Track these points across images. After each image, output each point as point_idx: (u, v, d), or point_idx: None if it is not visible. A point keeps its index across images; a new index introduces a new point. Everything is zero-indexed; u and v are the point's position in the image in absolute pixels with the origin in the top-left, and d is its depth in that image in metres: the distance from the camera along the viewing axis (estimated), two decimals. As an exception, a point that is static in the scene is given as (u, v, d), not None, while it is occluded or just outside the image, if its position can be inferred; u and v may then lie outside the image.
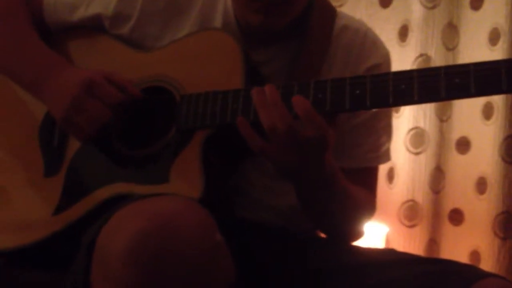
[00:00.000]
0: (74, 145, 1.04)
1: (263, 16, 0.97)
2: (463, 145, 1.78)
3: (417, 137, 1.81)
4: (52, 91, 1.00)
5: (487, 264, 1.73)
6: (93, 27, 1.09)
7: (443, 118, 1.81)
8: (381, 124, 1.07)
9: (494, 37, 1.72)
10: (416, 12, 1.80)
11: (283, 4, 0.97)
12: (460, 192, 1.79)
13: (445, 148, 1.79)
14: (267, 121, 0.84)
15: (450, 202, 1.81)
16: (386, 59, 1.08)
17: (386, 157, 1.09)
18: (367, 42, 1.06)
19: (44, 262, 0.99)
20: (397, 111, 1.80)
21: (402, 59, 1.79)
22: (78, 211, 0.98)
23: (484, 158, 1.74)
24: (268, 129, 0.85)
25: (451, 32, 1.79)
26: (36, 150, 1.08)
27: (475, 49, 1.74)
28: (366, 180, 1.07)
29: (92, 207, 0.97)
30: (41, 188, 1.06)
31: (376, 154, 1.06)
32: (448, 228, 1.82)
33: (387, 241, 1.84)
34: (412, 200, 1.82)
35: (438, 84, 0.82)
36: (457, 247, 1.80)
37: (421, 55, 1.79)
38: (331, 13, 1.07)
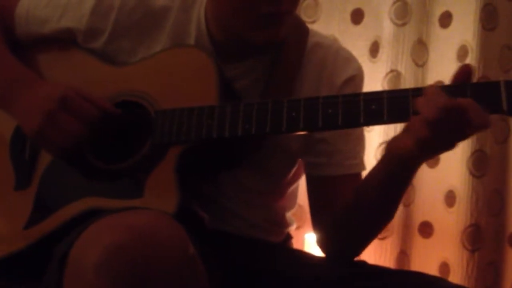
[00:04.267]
0: (45, 158, 1.03)
1: (270, 30, 0.97)
2: (432, 159, 1.81)
3: (388, 151, 1.84)
4: (23, 105, 1.00)
5: (456, 276, 1.75)
6: (65, 39, 1.09)
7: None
8: (356, 133, 1.08)
9: (462, 54, 1.76)
10: (387, 29, 1.83)
11: (286, 14, 0.97)
12: (429, 205, 1.82)
13: (414, 161, 1.82)
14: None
15: (420, 215, 1.84)
16: (359, 71, 1.10)
17: (363, 165, 1.10)
18: (339, 57, 1.08)
19: (15, 276, 0.98)
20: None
21: (373, 75, 1.82)
22: (50, 225, 0.97)
23: (452, 172, 1.77)
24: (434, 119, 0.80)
25: (420, 49, 1.82)
26: (6, 163, 1.06)
27: (444, 66, 1.77)
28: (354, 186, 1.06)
29: (64, 221, 0.96)
30: (12, 201, 1.04)
31: (356, 161, 1.07)
32: (418, 241, 1.84)
33: (359, 253, 1.86)
34: (383, 213, 1.84)
35: (407, 106, 0.84)
36: (427, 259, 1.82)
37: (391, 71, 1.82)
38: (304, 30, 1.09)
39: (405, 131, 0.87)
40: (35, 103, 0.97)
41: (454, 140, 0.83)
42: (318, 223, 1.09)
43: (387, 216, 1.01)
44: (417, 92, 0.84)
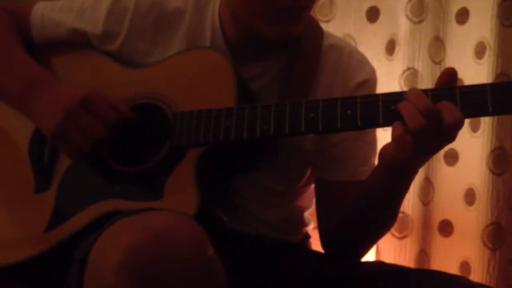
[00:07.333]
0: (65, 161, 1.04)
1: (287, 25, 0.97)
2: (451, 157, 1.79)
3: (406, 150, 1.82)
4: (42, 106, 1.00)
5: (477, 275, 1.74)
6: (80, 42, 1.10)
7: (431, 131, 1.83)
8: (368, 139, 1.08)
9: (480, 51, 1.74)
10: (403, 26, 1.82)
11: (302, 10, 0.98)
12: (449, 203, 1.80)
13: (433, 160, 1.80)
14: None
15: (439, 214, 1.82)
16: (373, 75, 1.10)
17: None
18: (353, 60, 1.08)
19: (36, 278, 0.99)
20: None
21: (390, 73, 1.81)
22: (71, 228, 0.98)
23: (472, 169, 1.76)
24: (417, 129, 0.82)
25: (437, 46, 1.81)
26: (26, 166, 1.07)
27: (462, 63, 1.76)
28: None
29: (84, 224, 0.97)
30: (32, 204, 1.05)
31: (365, 168, 1.07)
32: (438, 239, 1.82)
33: (378, 252, 1.85)
34: (402, 212, 1.83)
35: None
36: (447, 258, 1.81)
37: (408, 68, 1.81)
38: (319, 32, 1.09)
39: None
40: (56, 103, 0.98)
41: (436, 144, 0.85)
42: (322, 224, 1.09)
43: (385, 222, 1.02)
44: (436, 92, 0.84)
